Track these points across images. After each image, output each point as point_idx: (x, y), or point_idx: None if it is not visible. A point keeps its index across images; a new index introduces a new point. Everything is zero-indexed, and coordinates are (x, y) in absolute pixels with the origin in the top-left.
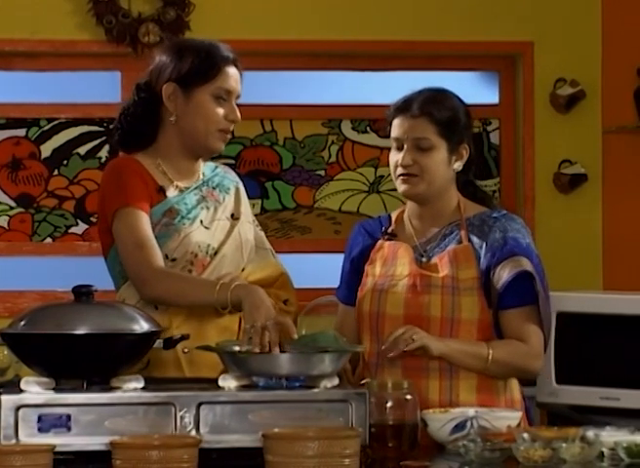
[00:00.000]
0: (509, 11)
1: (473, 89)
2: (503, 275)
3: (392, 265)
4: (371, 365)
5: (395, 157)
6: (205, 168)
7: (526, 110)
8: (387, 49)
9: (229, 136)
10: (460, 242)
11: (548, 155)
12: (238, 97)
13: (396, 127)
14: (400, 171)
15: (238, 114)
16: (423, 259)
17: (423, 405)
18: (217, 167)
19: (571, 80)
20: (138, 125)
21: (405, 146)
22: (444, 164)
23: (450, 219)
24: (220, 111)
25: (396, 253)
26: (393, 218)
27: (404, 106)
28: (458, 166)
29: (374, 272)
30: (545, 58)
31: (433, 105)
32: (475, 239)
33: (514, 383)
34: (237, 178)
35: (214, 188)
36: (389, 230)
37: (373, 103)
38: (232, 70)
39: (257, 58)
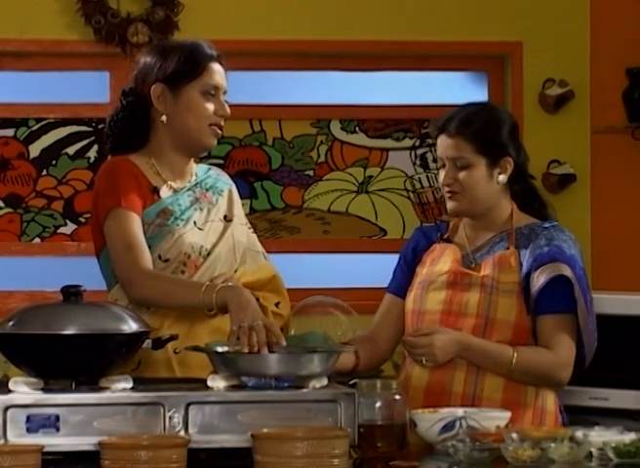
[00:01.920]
0: (498, 11)
1: (462, 89)
2: (541, 279)
3: (437, 263)
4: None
5: (440, 175)
6: (198, 169)
7: (515, 110)
8: (376, 49)
9: (221, 132)
10: (505, 248)
11: (537, 155)
12: (225, 92)
13: (438, 146)
14: (445, 189)
15: (227, 109)
16: (472, 265)
17: (446, 396)
18: (209, 169)
19: (559, 80)
20: (128, 129)
21: (446, 165)
22: (484, 179)
23: (501, 229)
24: (210, 107)
25: (443, 252)
26: (451, 225)
27: (442, 125)
28: (502, 179)
29: (422, 272)
30: (534, 58)
31: (469, 124)
32: (521, 246)
33: (550, 395)
34: (230, 181)
35: (207, 190)
36: (445, 236)
37: (362, 103)
38: (217, 67)
39: (245, 58)
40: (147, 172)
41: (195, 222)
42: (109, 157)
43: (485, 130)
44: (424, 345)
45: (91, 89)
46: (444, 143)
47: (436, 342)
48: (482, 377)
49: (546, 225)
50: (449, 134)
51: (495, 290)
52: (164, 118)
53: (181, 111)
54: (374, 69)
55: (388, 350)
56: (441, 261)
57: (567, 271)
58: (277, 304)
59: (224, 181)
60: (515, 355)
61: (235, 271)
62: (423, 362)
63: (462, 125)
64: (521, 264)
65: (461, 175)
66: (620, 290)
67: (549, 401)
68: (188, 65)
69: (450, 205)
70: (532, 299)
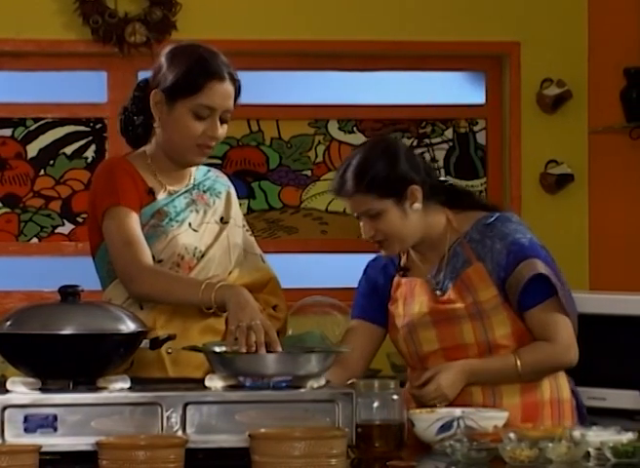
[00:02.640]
0: (496, 11)
1: (460, 89)
2: (517, 283)
3: (412, 304)
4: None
5: (361, 228)
6: (197, 171)
7: (512, 110)
8: (374, 49)
9: (210, 151)
10: (468, 262)
11: (535, 155)
12: (227, 111)
13: (345, 204)
14: (370, 240)
15: (219, 131)
16: (439, 293)
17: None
18: (209, 170)
19: (557, 80)
20: (130, 122)
21: (360, 219)
22: (400, 218)
23: (449, 242)
24: (199, 127)
25: (413, 292)
26: (400, 253)
27: (338, 188)
28: (417, 206)
29: (398, 312)
30: (532, 58)
31: (360, 177)
32: (481, 255)
33: (562, 381)
34: (229, 183)
35: (204, 192)
36: (402, 264)
37: (359, 103)
38: (219, 86)
39: (243, 58)
40: (144, 172)
41: (190, 224)
42: (107, 156)
43: (378, 175)
44: (433, 391)
45: (88, 89)
46: (347, 203)
47: (442, 382)
48: (499, 386)
49: (490, 221)
50: (347, 194)
51: (482, 312)
52: (157, 125)
53: (170, 125)
54: (371, 69)
55: (360, 370)
56: (415, 302)
57: (537, 265)
58: (275, 307)
59: (223, 183)
60: (519, 362)
61: (229, 273)
62: (437, 405)
63: (355, 181)
64: (490, 274)
65: (378, 223)
66: (617, 289)
67: (563, 388)
68: (185, 82)
69: (384, 253)
70: (515, 302)
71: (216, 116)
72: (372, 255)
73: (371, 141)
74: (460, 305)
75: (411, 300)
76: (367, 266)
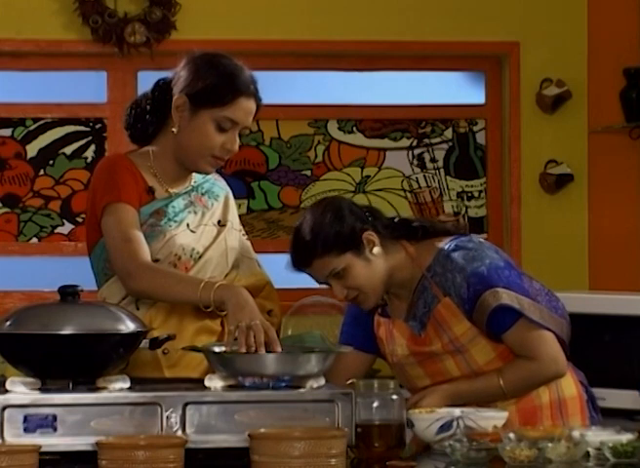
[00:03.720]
0: (495, 11)
1: (459, 89)
2: (482, 317)
3: (393, 346)
4: None
5: (333, 290)
6: (196, 175)
7: (512, 110)
8: (374, 49)
9: (222, 163)
10: (436, 298)
11: (534, 155)
12: (246, 128)
13: (309, 275)
14: (345, 300)
15: (236, 146)
16: (417, 327)
17: None
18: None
19: (557, 80)
20: (141, 118)
21: (330, 282)
22: (365, 267)
23: (414, 278)
24: (219, 138)
25: (392, 334)
26: None
27: (296, 263)
28: (377, 250)
29: (385, 350)
30: (531, 58)
31: (313, 244)
32: (447, 290)
33: (565, 382)
34: (227, 187)
35: (203, 194)
36: (382, 306)
37: (359, 104)
38: (246, 103)
39: (242, 59)
40: (145, 172)
41: (188, 225)
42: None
43: (328, 235)
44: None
45: (88, 89)
46: (312, 272)
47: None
48: None
49: (445, 250)
50: (306, 264)
51: (461, 347)
52: (175, 129)
53: (190, 131)
54: (371, 69)
55: None
56: (397, 344)
57: (498, 295)
58: (270, 312)
59: (221, 187)
60: (501, 381)
61: (226, 276)
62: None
63: (310, 248)
64: (460, 307)
65: (346, 281)
66: (616, 289)
67: (565, 386)
68: (216, 92)
69: (363, 307)
70: (484, 332)
71: (236, 130)
72: None
73: (311, 207)
74: (437, 346)
75: (392, 342)
76: (348, 309)
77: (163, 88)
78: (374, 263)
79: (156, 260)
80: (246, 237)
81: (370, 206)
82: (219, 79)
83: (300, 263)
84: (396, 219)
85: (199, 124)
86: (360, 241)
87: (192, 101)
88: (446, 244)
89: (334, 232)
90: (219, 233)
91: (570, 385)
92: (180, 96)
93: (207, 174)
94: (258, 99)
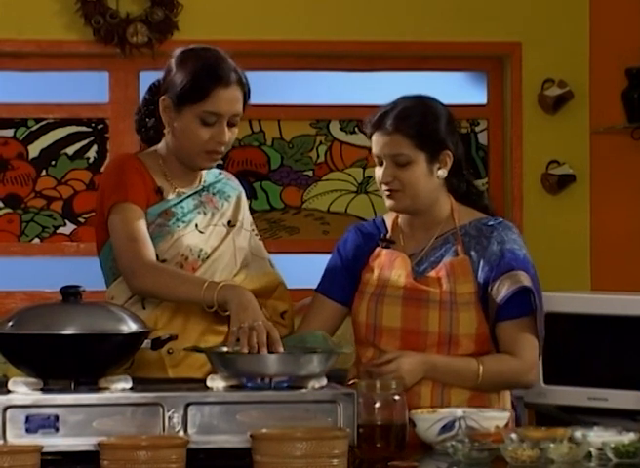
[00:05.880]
0: (497, 11)
1: (461, 89)
2: (502, 290)
3: (389, 274)
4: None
5: (377, 173)
6: (208, 174)
7: (514, 111)
8: (375, 49)
9: (219, 156)
10: (456, 253)
11: (536, 155)
12: (235, 115)
13: (374, 143)
14: (383, 187)
15: (226, 137)
16: (419, 270)
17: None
18: (220, 173)
19: (559, 80)
20: (143, 123)
21: (384, 163)
22: (425, 176)
23: (443, 228)
24: (206, 133)
25: (393, 263)
26: (389, 224)
27: (378, 123)
28: (442, 173)
29: (371, 280)
30: (533, 58)
31: (407, 119)
32: (472, 251)
33: (507, 394)
34: (240, 187)
35: (214, 194)
36: (387, 236)
37: (361, 104)
38: (224, 91)
39: (244, 59)
40: (155, 172)
41: (197, 225)
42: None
43: (423, 124)
44: (391, 371)
45: (90, 89)
46: (381, 141)
47: (403, 366)
48: (448, 391)
49: (492, 223)
50: (386, 131)
51: (454, 305)
52: (166, 130)
53: (180, 131)
54: (373, 70)
55: None
56: (393, 274)
57: (526, 280)
58: (283, 314)
59: (233, 187)
60: (481, 368)
61: (235, 275)
62: (394, 385)
63: (399, 121)
64: (475, 271)
65: (401, 172)
66: (618, 290)
67: (507, 400)
68: (192, 88)
69: (390, 203)
70: (492, 308)
71: (223, 122)
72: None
73: (423, 96)
74: (435, 290)
75: (389, 271)
76: (352, 229)
77: (154, 90)
78: (432, 180)
79: (163, 261)
80: (258, 237)
81: (462, 144)
82: (193, 74)
83: (379, 127)
84: (466, 173)
85: (185, 123)
86: (439, 153)
87: (175, 102)
88: (489, 218)
89: (427, 128)
90: (227, 233)
91: (508, 401)
92: (164, 98)
93: (208, 169)
94: (242, 85)
